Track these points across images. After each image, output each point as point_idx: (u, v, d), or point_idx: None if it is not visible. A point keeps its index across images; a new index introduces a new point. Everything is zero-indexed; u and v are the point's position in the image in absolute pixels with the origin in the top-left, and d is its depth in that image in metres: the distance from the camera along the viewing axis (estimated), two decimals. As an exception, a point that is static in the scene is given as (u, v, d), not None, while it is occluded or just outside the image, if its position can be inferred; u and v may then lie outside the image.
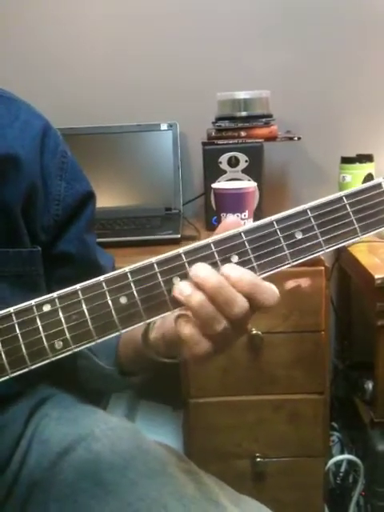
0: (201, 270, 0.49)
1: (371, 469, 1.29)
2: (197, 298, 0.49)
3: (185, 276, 0.50)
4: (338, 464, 1.40)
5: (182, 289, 0.49)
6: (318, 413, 1.20)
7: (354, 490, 1.34)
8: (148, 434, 0.77)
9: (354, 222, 0.50)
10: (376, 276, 1.08)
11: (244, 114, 1.37)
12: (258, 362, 1.18)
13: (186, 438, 1.25)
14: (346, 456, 1.39)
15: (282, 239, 0.51)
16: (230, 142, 1.33)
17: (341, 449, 1.45)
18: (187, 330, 0.51)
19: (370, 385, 1.33)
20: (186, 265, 0.50)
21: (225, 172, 1.32)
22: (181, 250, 0.51)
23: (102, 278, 0.50)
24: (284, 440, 1.22)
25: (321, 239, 0.51)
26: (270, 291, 0.50)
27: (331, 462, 1.36)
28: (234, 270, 0.50)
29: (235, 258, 0.51)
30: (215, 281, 0.49)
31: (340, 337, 1.60)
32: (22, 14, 1.53)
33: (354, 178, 1.36)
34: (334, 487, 1.39)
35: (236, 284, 0.49)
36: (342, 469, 1.39)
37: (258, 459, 1.22)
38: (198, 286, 0.49)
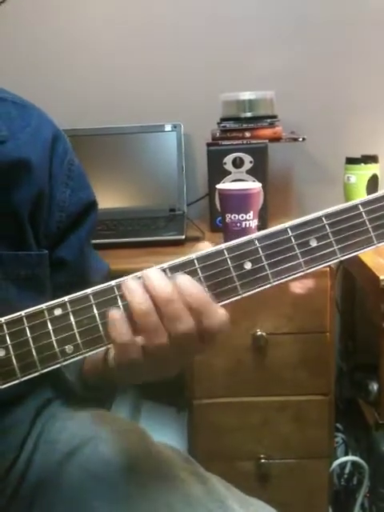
0: (155, 278, 0.48)
1: (376, 470, 1.29)
2: (143, 306, 0.47)
3: (198, 281, 0.49)
4: (343, 465, 1.40)
5: (133, 291, 0.48)
6: (323, 414, 1.20)
7: (359, 491, 1.33)
8: (152, 434, 0.77)
9: (370, 230, 0.49)
10: (381, 277, 1.07)
11: (248, 114, 1.37)
12: (262, 363, 1.18)
13: (190, 440, 1.25)
14: (351, 457, 1.38)
15: (296, 246, 0.50)
16: (235, 142, 1.33)
17: (345, 450, 1.45)
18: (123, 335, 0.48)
19: (374, 386, 1.33)
20: (199, 271, 0.50)
21: (229, 173, 1.32)
22: (193, 255, 0.50)
23: (113, 282, 0.50)
24: (288, 441, 1.22)
25: (336, 247, 0.50)
26: (218, 315, 0.49)
27: (336, 463, 1.35)
28: (188, 283, 0.48)
29: (248, 265, 0.50)
30: (168, 293, 0.48)
31: (344, 338, 1.60)
32: (27, 17, 1.53)
33: (359, 179, 1.36)
34: (338, 489, 1.39)
35: (186, 297, 0.48)
36: (347, 470, 1.39)
37: (263, 460, 1.22)
38: (149, 292, 0.48)
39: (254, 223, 1.15)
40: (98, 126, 1.49)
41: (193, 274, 0.50)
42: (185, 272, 0.50)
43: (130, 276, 0.49)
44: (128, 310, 0.48)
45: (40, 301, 0.50)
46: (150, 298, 0.48)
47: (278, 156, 1.51)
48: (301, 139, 1.35)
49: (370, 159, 1.37)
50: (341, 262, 1.53)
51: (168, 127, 1.49)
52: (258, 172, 1.31)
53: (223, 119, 1.38)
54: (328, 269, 1.13)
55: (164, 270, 0.50)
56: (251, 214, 1.15)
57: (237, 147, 1.32)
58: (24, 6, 1.53)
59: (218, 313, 0.49)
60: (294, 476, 1.23)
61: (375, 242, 0.50)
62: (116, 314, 0.48)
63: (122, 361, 0.50)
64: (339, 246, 0.50)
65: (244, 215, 1.14)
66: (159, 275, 0.48)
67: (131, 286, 0.48)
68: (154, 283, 0.48)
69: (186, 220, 1.39)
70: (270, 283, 0.50)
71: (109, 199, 1.44)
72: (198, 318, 0.48)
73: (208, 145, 1.35)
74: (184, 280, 0.48)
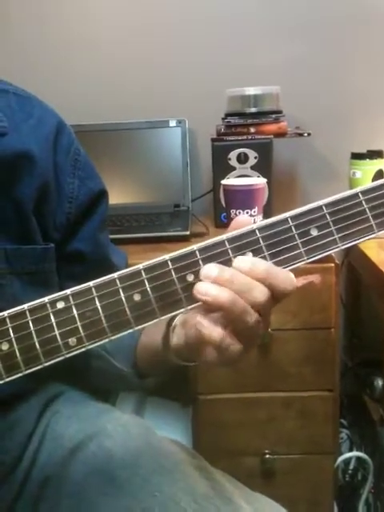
0: (211, 270, 0.49)
1: (380, 466, 1.29)
2: (225, 294, 0.48)
3: (199, 273, 0.50)
4: (347, 461, 1.40)
5: (208, 290, 0.48)
6: (328, 410, 1.20)
7: (363, 487, 1.34)
8: (157, 430, 0.77)
9: (371, 218, 0.49)
10: (386, 273, 1.07)
11: (253, 110, 1.37)
12: (267, 358, 1.18)
13: (194, 435, 1.25)
14: (355, 453, 1.38)
15: (296, 236, 0.50)
16: (240, 138, 1.32)
17: (350, 446, 1.45)
18: (216, 333, 0.50)
19: (379, 382, 1.33)
20: (200, 262, 0.50)
21: (234, 168, 1.32)
22: (195, 246, 0.50)
23: (115, 274, 0.50)
24: (293, 437, 1.22)
25: (336, 236, 0.50)
26: (286, 276, 0.49)
27: (340, 459, 1.35)
28: (244, 261, 0.49)
29: (249, 255, 0.50)
30: (228, 273, 0.48)
31: (349, 334, 1.59)
32: (30, 11, 1.53)
33: (364, 174, 1.35)
34: (343, 484, 1.39)
35: (249, 273, 0.49)
36: (351, 466, 1.39)
37: (267, 456, 1.22)
38: (217, 282, 0.48)
39: (259, 219, 1.15)
40: (103, 121, 1.48)
41: (194, 265, 0.50)
42: (186, 263, 0.50)
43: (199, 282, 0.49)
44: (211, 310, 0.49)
45: (45, 295, 0.50)
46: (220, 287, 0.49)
47: (283, 151, 1.51)
48: (306, 134, 1.35)
49: (376, 154, 1.37)
50: (345, 257, 1.52)
51: (173, 123, 1.48)
52: (262, 167, 1.31)
53: (228, 114, 1.38)
54: (333, 264, 1.13)
55: (166, 262, 0.50)
56: (256, 209, 1.14)
57: (241, 143, 1.32)
58: (28, 3, 1.53)
59: (284, 273, 0.49)
60: (299, 472, 1.23)
61: (376, 230, 0.50)
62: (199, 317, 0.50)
63: (227, 358, 0.51)
64: (340, 234, 0.50)
65: (249, 211, 1.14)
66: (212, 265, 0.49)
67: (203, 288, 0.49)
68: (214, 274, 0.49)
69: (190, 216, 1.39)
70: None
71: (113, 195, 1.41)
72: (267, 284, 0.49)
73: (213, 140, 1.34)
74: (239, 259, 0.49)
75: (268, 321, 0.53)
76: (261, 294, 0.49)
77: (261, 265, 0.49)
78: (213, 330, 0.50)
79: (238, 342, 0.50)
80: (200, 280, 0.49)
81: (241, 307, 0.49)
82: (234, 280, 0.48)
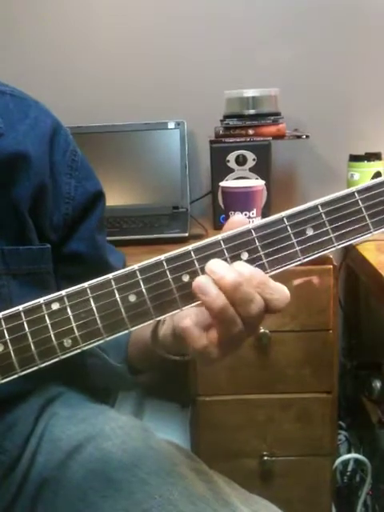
0: (218, 267, 0.48)
1: (379, 468, 1.29)
2: (221, 301, 0.48)
3: (194, 273, 0.50)
4: (346, 463, 1.39)
5: (208, 290, 0.48)
6: (326, 412, 1.20)
7: (362, 489, 1.33)
8: (155, 431, 0.77)
9: (367, 217, 0.49)
10: (385, 275, 1.07)
11: (252, 111, 1.37)
12: (265, 360, 1.18)
13: (193, 436, 1.25)
14: (354, 455, 1.38)
15: (292, 236, 0.50)
16: (238, 140, 1.33)
17: (348, 448, 1.45)
18: (200, 343, 0.50)
19: (377, 384, 1.33)
20: (196, 262, 0.50)
21: (232, 170, 1.32)
22: (190, 247, 0.50)
23: (110, 275, 0.50)
24: (292, 439, 1.22)
25: (332, 235, 0.50)
26: (281, 292, 0.49)
27: (339, 460, 1.35)
28: (244, 268, 0.49)
29: (245, 255, 0.50)
30: (233, 278, 0.48)
31: (348, 336, 1.59)
32: (30, 13, 1.53)
33: (363, 176, 1.36)
34: (341, 486, 1.39)
35: (246, 282, 0.48)
36: (350, 468, 1.39)
37: (266, 458, 1.22)
38: (217, 283, 0.48)
39: (258, 221, 1.15)
40: (101, 123, 1.49)
41: (190, 265, 0.50)
42: (181, 263, 0.50)
43: (201, 277, 0.49)
44: (205, 306, 0.49)
45: (42, 296, 0.50)
46: (220, 290, 0.48)
47: (282, 153, 1.51)
48: (304, 137, 1.35)
49: (374, 157, 1.37)
50: (344, 259, 1.51)
51: (171, 125, 1.49)
52: (261, 169, 1.31)
53: (226, 116, 1.38)
54: (331, 266, 1.13)
55: (161, 262, 0.50)
56: (254, 211, 1.15)
57: (240, 144, 1.32)
58: (28, 4, 1.53)
59: (280, 289, 0.50)
60: (297, 473, 1.23)
61: (372, 230, 0.50)
62: (187, 323, 0.50)
63: (206, 363, 0.52)
64: (335, 233, 0.50)
65: (247, 213, 1.14)
66: (222, 264, 0.49)
67: (204, 286, 0.48)
68: (220, 273, 0.48)
69: (189, 218, 1.39)
70: (267, 273, 0.50)
71: (112, 197, 1.43)
72: (265, 296, 0.49)
73: (211, 142, 1.35)
74: (239, 266, 0.49)
75: (256, 329, 0.52)
76: (257, 306, 0.49)
77: (258, 276, 0.49)
78: (198, 340, 0.50)
79: (219, 347, 0.50)
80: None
81: (229, 317, 0.49)
82: (237, 287, 0.48)
